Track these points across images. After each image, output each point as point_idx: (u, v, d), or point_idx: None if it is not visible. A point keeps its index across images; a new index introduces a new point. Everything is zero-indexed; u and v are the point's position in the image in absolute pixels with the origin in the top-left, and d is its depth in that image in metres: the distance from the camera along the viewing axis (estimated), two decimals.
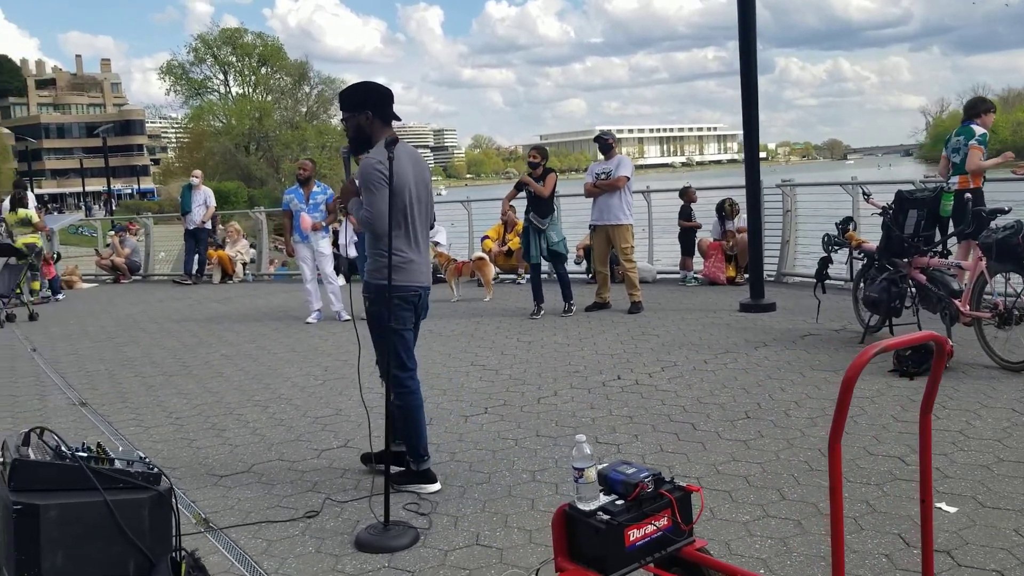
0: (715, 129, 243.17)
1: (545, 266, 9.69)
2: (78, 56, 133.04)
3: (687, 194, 11.16)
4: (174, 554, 2.37)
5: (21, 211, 12.54)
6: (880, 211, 6.60)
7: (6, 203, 13.94)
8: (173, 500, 2.41)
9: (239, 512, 4.03)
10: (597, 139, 9.36)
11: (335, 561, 3.48)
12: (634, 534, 2.60)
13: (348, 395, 6.16)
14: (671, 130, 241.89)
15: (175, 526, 2.42)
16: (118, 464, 2.35)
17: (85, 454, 2.32)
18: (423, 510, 3.92)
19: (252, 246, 16.23)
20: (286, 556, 3.55)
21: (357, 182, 3.99)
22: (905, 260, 6.55)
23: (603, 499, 2.62)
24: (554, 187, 8.83)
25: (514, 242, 12.05)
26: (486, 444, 4.84)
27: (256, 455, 4.87)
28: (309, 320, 9.57)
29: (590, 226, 9.39)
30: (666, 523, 2.70)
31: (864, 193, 7.08)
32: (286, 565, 3.46)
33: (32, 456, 2.25)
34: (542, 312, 9.02)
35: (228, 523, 3.90)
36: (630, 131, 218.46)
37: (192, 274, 14.77)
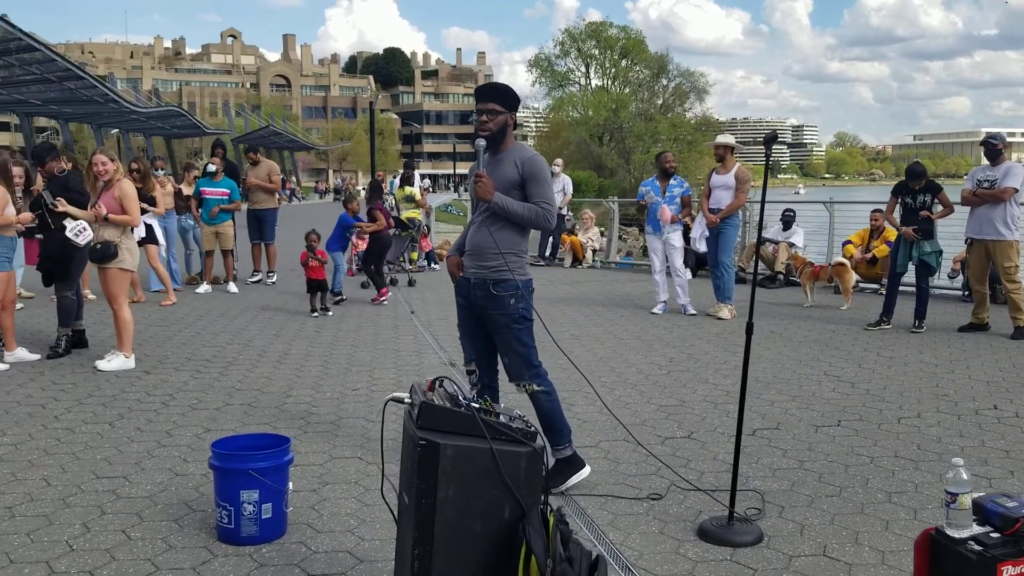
0: None
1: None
2: (458, 49, 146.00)
3: None
4: (542, 508, 2.58)
5: (408, 188, 14.10)
6: None
7: (396, 180, 15.74)
8: (545, 458, 2.62)
9: (587, 483, 4.24)
10: (984, 142, 8.46)
11: (677, 545, 3.55)
12: (1008, 571, 2.38)
13: (692, 388, 6.20)
14: None
15: (544, 482, 2.63)
16: (502, 418, 2.61)
17: (477, 405, 2.60)
18: (768, 513, 3.86)
19: (602, 234, 16.80)
20: (630, 531, 3.69)
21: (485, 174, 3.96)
22: None
23: (976, 529, 2.43)
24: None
25: (880, 249, 11.28)
26: (838, 457, 4.63)
27: (603, 432, 5.09)
28: (654, 311, 9.73)
29: (966, 239, 8.56)
30: None
31: None
32: (630, 539, 3.60)
33: (436, 401, 2.57)
34: (883, 327, 8.44)
35: (577, 491, 4.14)
36: None
37: (545, 256, 15.65)
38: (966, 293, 10.34)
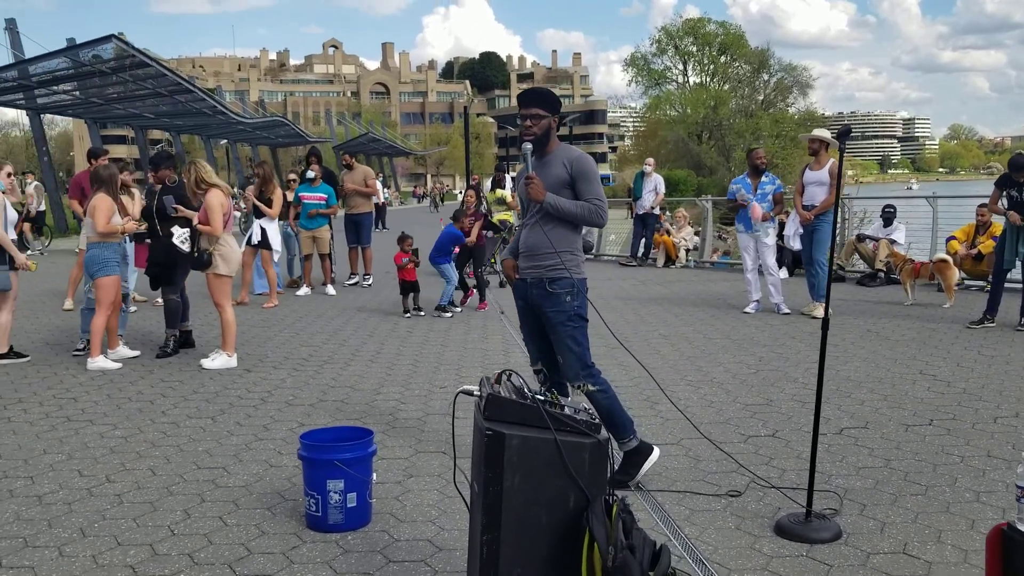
0: None
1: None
2: (554, 51, 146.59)
3: None
4: (607, 498, 2.63)
5: (499, 191, 14.27)
6: None
7: (488, 183, 15.96)
8: (609, 450, 2.68)
9: (665, 479, 4.27)
10: None
11: (753, 540, 3.55)
12: None
13: (780, 387, 6.13)
14: None
15: (609, 473, 2.69)
16: (567, 411, 2.68)
17: (542, 398, 2.68)
18: (849, 511, 3.81)
19: (696, 233, 16.62)
20: (706, 527, 3.70)
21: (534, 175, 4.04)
22: None
23: None
24: None
25: (985, 245, 10.83)
26: (927, 457, 4.52)
27: (685, 430, 5.08)
28: (747, 310, 9.59)
29: None
30: None
31: None
32: (706, 535, 3.62)
33: (502, 393, 2.66)
34: (987, 325, 8.12)
35: (655, 487, 4.17)
36: None
37: (637, 256, 15.58)
38: None
